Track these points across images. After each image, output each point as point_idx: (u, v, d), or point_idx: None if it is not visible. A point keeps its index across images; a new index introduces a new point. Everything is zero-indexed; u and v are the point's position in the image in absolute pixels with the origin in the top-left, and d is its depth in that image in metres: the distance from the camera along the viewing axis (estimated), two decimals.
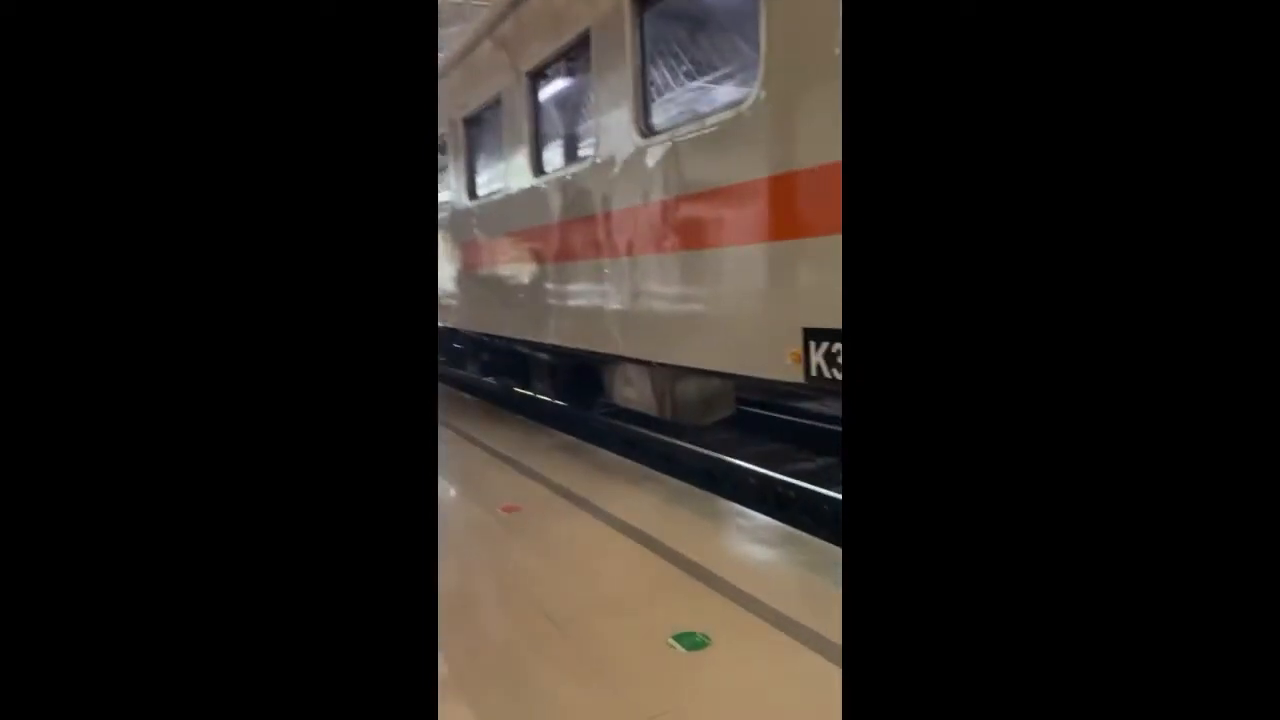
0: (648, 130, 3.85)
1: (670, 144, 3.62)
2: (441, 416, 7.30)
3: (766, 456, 5.87)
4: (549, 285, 5.33)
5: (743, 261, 3.20)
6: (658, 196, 3.76)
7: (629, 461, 5.27)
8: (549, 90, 5.31)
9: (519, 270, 5.79)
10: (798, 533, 3.64)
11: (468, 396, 8.78)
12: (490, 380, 8.61)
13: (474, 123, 6.53)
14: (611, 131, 4.12)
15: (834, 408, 6.73)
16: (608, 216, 4.29)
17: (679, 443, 5.92)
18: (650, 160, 3.79)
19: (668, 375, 4.89)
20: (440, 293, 8.24)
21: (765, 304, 3.10)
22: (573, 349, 5.37)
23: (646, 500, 4.24)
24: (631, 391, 5.57)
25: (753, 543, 3.53)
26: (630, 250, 4.13)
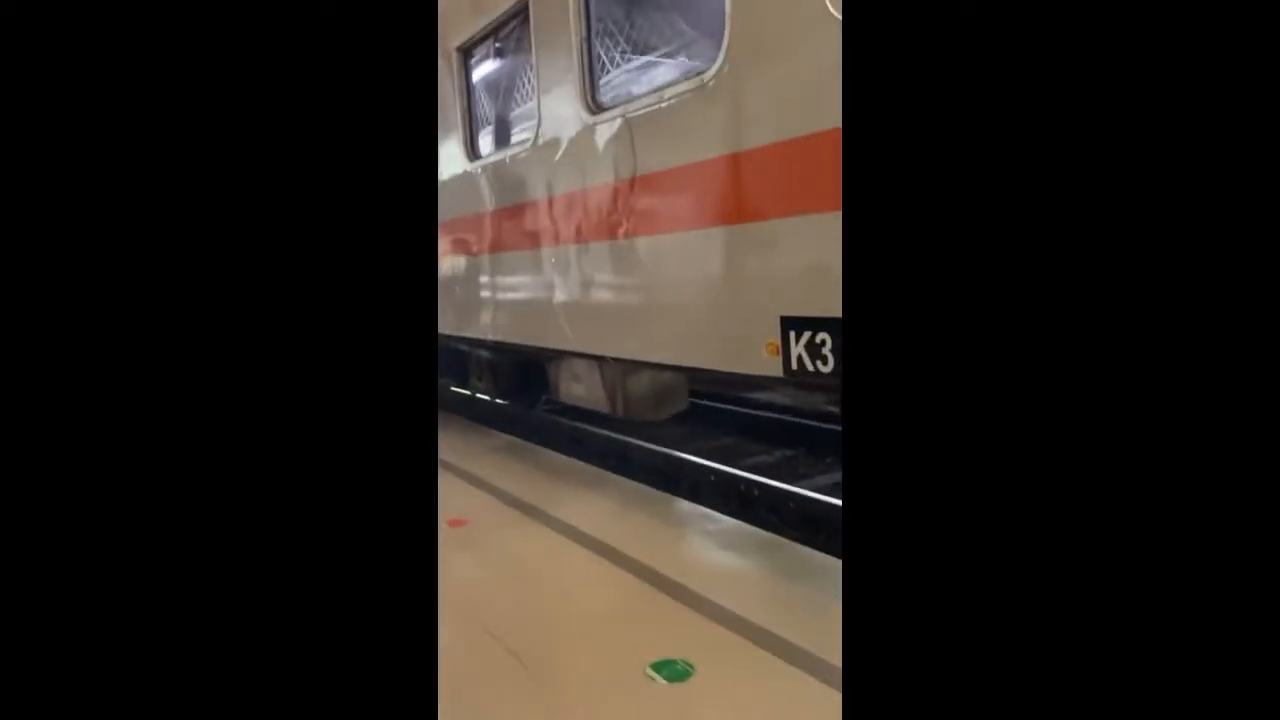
0: (596, 106, 3.55)
1: (623, 120, 3.33)
2: None
3: (721, 451, 5.66)
4: (489, 278, 4.98)
5: (708, 246, 2.94)
6: (609, 178, 3.47)
7: (578, 462, 4.98)
8: (482, 69, 4.94)
9: (455, 263, 5.41)
10: (768, 535, 3.42)
11: None
12: None
13: None
14: (555, 109, 3.80)
15: (788, 398, 6.57)
16: (552, 201, 3.97)
17: (630, 440, 5.65)
18: (600, 139, 3.49)
19: (618, 370, 4.62)
20: None
21: (735, 292, 2.84)
22: (515, 344, 5.03)
23: (601, 505, 3.97)
24: (579, 388, 5.27)
25: (721, 549, 3.29)
26: (579, 237, 3.83)
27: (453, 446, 5.45)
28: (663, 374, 4.55)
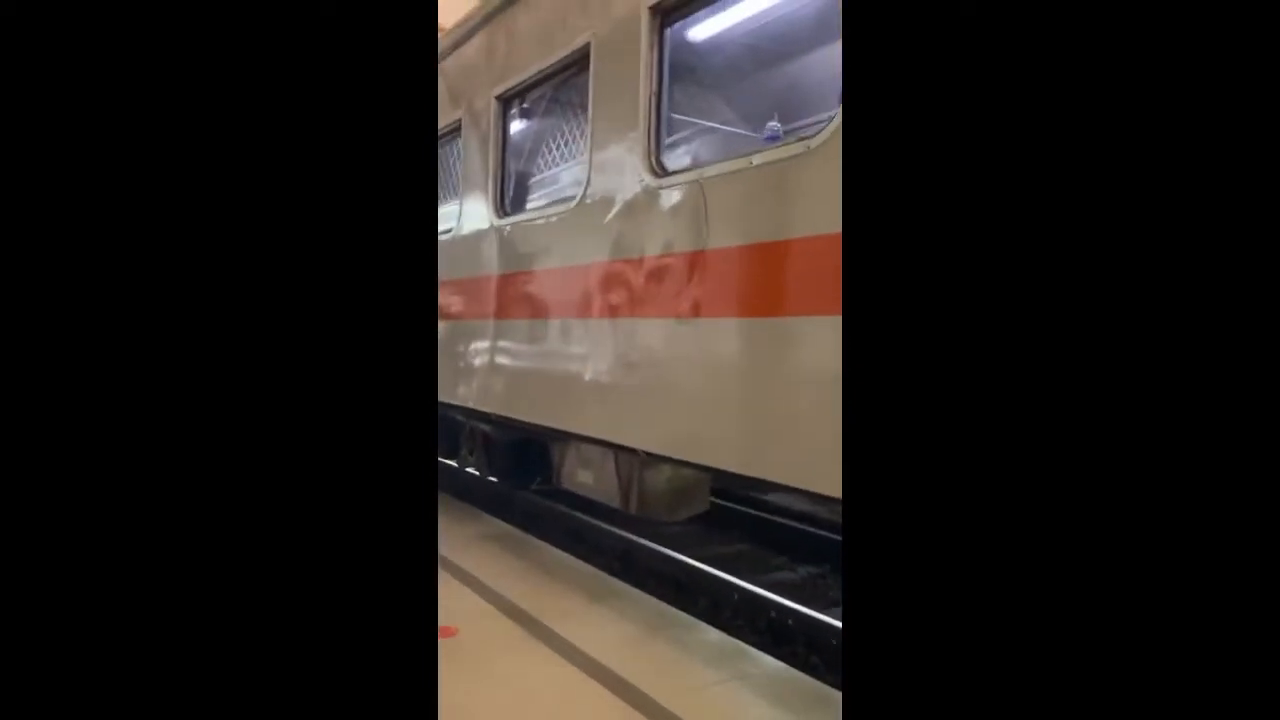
0: (660, 169, 3.13)
1: (695, 185, 2.89)
2: None
3: (739, 560, 5.07)
4: (498, 346, 4.47)
5: (798, 336, 2.47)
6: (671, 248, 3.02)
7: (581, 564, 4.37)
8: (522, 120, 4.56)
9: (461, 327, 4.90)
10: (815, 684, 2.84)
11: None
12: None
13: None
14: (609, 169, 3.38)
15: (805, 501, 6.03)
16: (592, 268, 3.51)
17: (636, 539, 5.05)
18: (664, 204, 3.06)
19: (635, 461, 4.08)
20: None
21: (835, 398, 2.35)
22: (518, 421, 4.48)
23: (614, 625, 3.36)
24: (587, 476, 4.70)
25: (768, 702, 2.69)
26: (620, 310, 3.36)
27: (440, 530, 4.83)
28: (683, 470, 4.01)
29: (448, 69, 5.11)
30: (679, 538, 5.27)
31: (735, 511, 6.01)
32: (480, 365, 4.71)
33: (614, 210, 3.35)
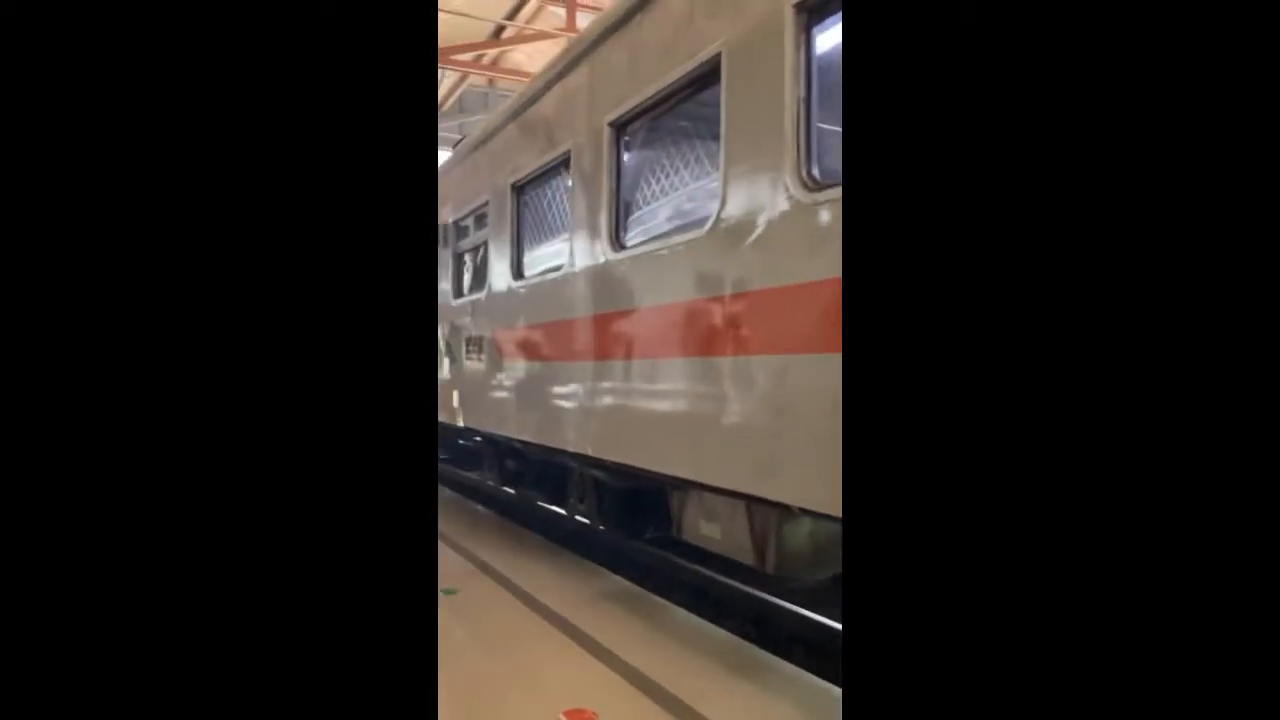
0: (814, 183, 2.74)
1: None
2: (445, 530, 5.96)
3: None
4: (622, 389, 4.13)
5: None
6: (833, 273, 2.62)
7: (714, 629, 3.94)
8: (638, 147, 4.29)
9: (574, 369, 4.60)
10: None
11: (481, 509, 7.43)
12: (508, 490, 7.30)
13: (526, 189, 5.52)
14: (748, 185, 3.02)
15: None
16: (729, 299, 3.15)
17: (772, 600, 4.57)
18: (820, 221, 2.67)
19: (772, 514, 3.64)
20: (445, 381, 7.02)
21: None
22: (637, 468, 4.12)
23: (759, 703, 2.91)
24: (713, 529, 4.29)
25: None
26: (752, 347, 2.97)
27: (548, 584, 4.47)
28: (823, 522, 3.55)
29: (545, 105, 4.93)
30: (814, 595, 4.77)
31: None
32: (594, 408, 4.39)
33: (755, 233, 2.98)
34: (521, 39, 15.94)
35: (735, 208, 3.11)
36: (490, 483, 7.68)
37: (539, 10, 15.69)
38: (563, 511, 6.59)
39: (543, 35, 15.20)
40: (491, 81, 18.84)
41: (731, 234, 3.12)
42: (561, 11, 14.90)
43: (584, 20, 14.64)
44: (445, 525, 6.25)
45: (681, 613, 4.20)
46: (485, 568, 4.89)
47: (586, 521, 5.90)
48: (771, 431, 2.94)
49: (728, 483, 3.31)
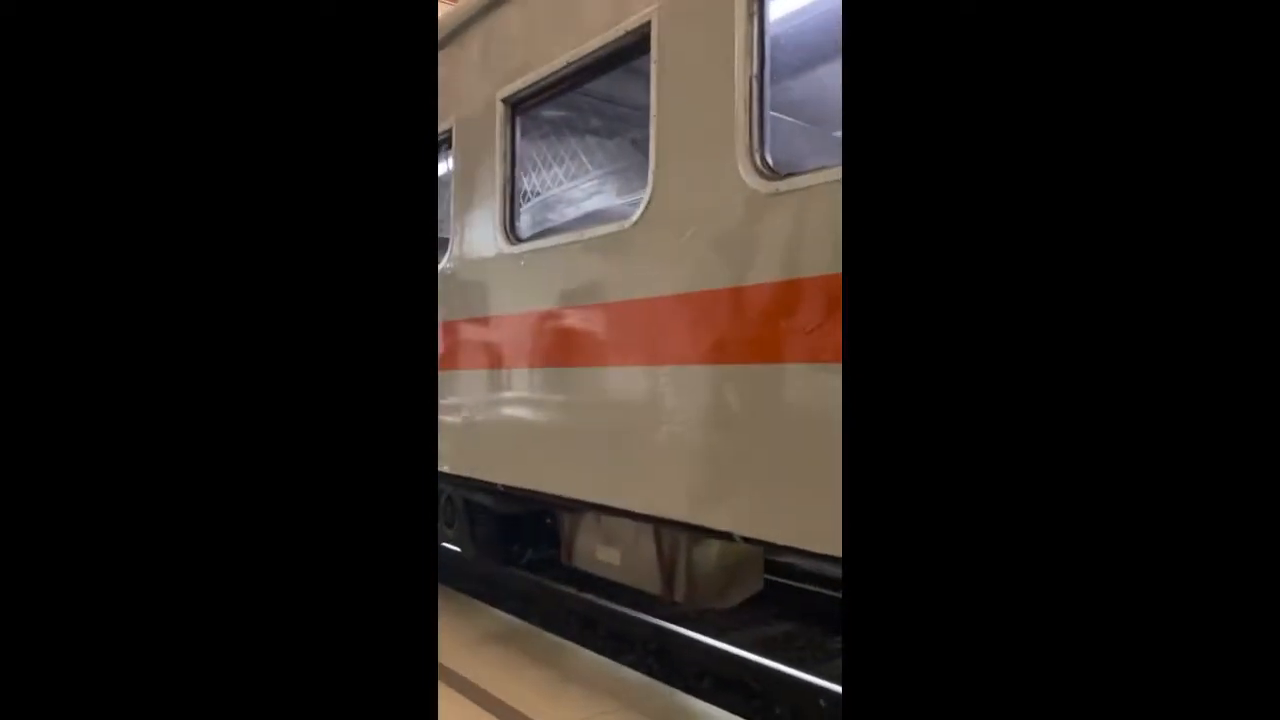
0: (770, 171, 2.42)
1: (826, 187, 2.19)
2: None
3: (782, 643, 4.31)
4: (502, 400, 3.65)
5: None
6: (780, 274, 2.31)
7: (619, 668, 3.54)
8: (536, 122, 3.81)
9: (454, 379, 4.05)
10: None
11: None
12: None
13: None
14: (687, 170, 2.66)
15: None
16: (657, 304, 2.77)
17: (677, 629, 4.22)
18: (776, 216, 2.34)
19: (681, 537, 3.32)
20: None
21: None
22: (523, 489, 3.65)
23: None
24: (611, 555, 3.89)
25: None
26: (700, 357, 2.63)
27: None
28: (734, 545, 3.27)
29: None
30: (717, 623, 4.47)
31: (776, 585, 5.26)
32: (472, 423, 3.86)
33: (693, 228, 2.62)
34: None
35: (667, 199, 2.74)
36: None
37: None
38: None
39: None
40: None
41: (662, 225, 2.75)
42: None
43: None
44: None
45: (579, 651, 3.77)
46: None
47: (455, 549, 5.31)
48: (715, 453, 2.59)
49: (661, 510, 2.93)
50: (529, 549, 5.19)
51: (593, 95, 4.78)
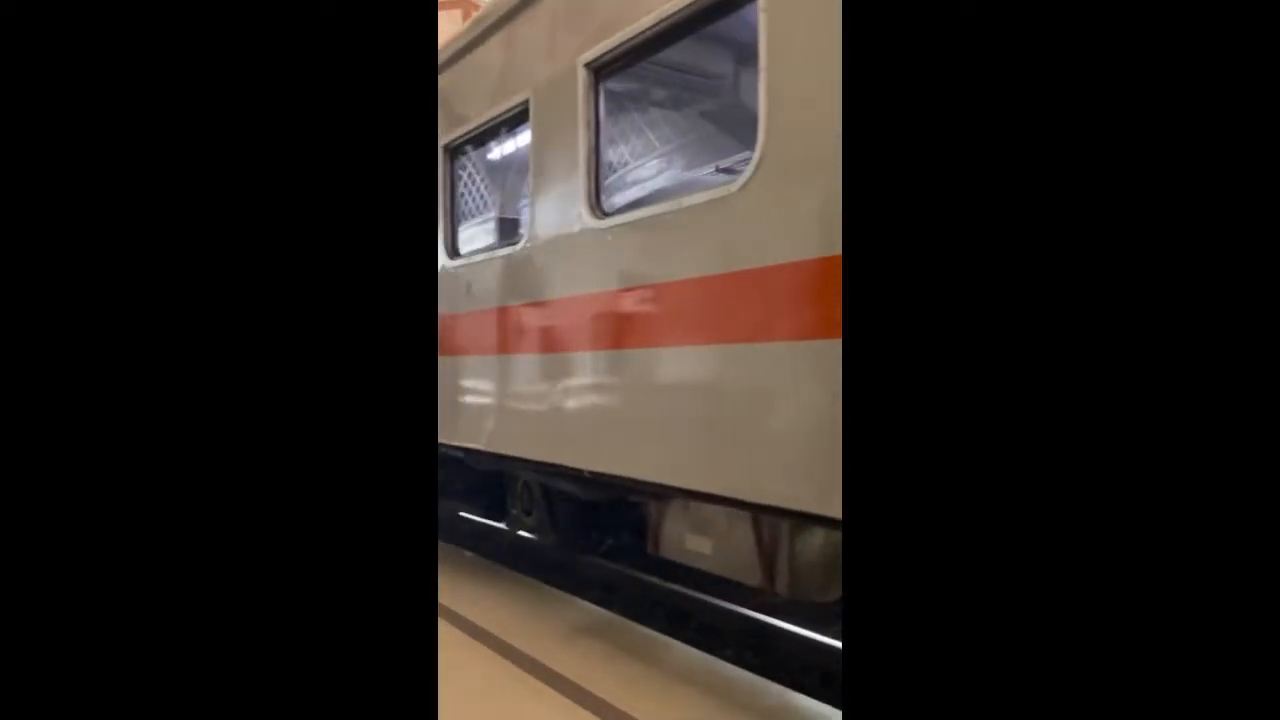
0: None
1: None
2: None
3: None
4: (597, 379, 3.46)
5: None
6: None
7: (716, 662, 3.35)
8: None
9: (535, 363, 3.89)
10: None
11: None
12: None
13: (465, 152, 4.70)
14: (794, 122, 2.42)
15: None
16: (755, 275, 2.55)
17: (776, 623, 4.01)
18: None
19: (782, 524, 3.11)
20: None
21: None
22: (603, 474, 3.48)
23: None
24: (702, 544, 3.70)
25: None
26: (773, 333, 2.40)
27: (516, 621, 3.75)
28: (837, 534, 3.04)
29: (496, 45, 4.16)
30: (820, 616, 4.25)
31: None
32: (543, 404, 3.69)
33: (821, 182, 2.38)
34: None
35: (786, 154, 2.50)
36: None
37: None
38: (498, 524, 5.83)
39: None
40: None
41: (768, 191, 2.52)
42: None
43: None
44: None
45: (673, 645, 3.59)
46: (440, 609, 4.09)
47: (531, 536, 5.19)
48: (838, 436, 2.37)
49: (772, 498, 2.72)
50: (609, 537, 5.05)
51: (660, 64, 4.56)
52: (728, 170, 5.19)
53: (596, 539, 5.01)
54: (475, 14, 4.78)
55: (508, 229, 5.35)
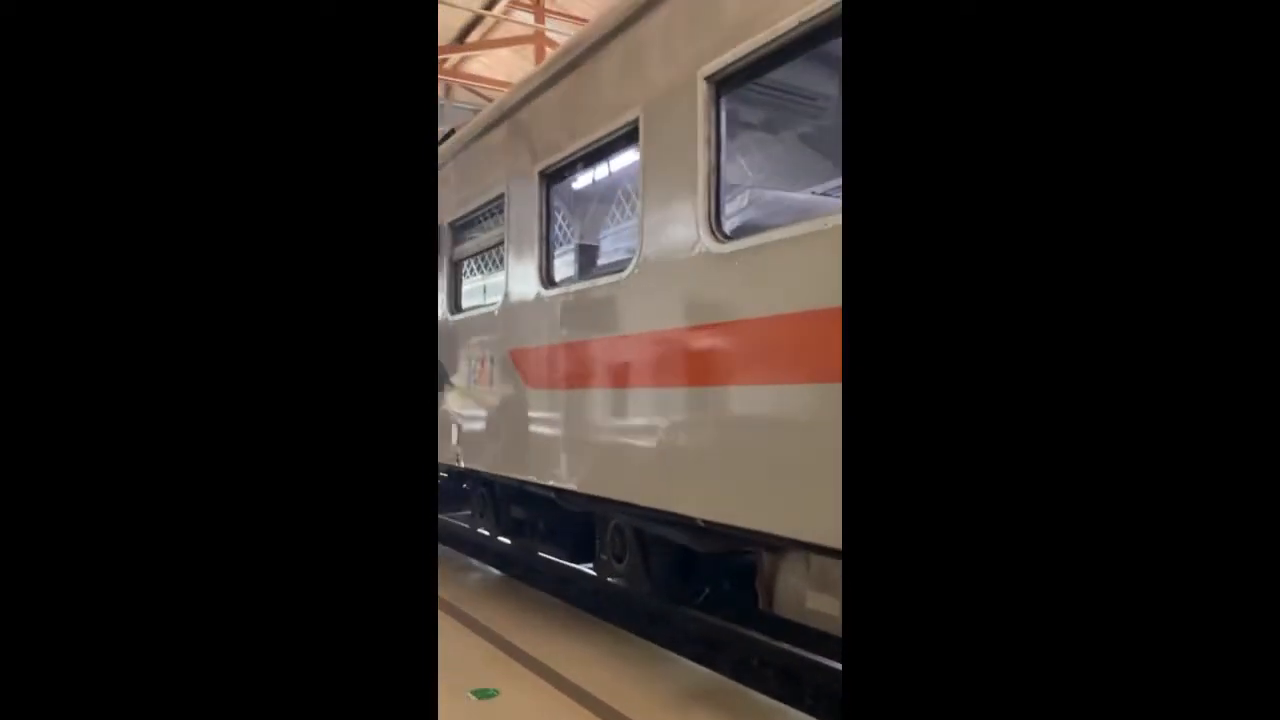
0: None
1: None
2: (448, 596, 4.85)
3: None
4: (720, 416, 3.15)
5: None
6: None
7: None
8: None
9: (648, 396, 3.60)
10: None
11: (474, 564, 6.29)
12: (504, 540, 6.19)
13: (561, 177, 4.51)
14: None
15: None
16: None
17: None
18: None
19: None
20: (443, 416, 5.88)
21: None
22: (740, 530, 3.14)
23: None
24: (826, 603, 3.34)
25: None
26: None
27: (619, 683, 3.41)
28: None
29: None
30: None
31: None
32: (676, 450, 3.39)
33: None
34: (489, 44, 15.01)
35: None
36: (481, 530, 6.57)
37: (500, 20, 14.82)
38: (584, 568, 5.54)
39: (512, 41, 14.32)
40: (449, 91, 17.83)
41: None
42: (527, 18, 14.06)
43: (553, 26, 13.80)
44: (445, 589, 5.11)
45: (790, 713, 3.21)
46: (519, 654, 3.80)
47: (620, 582, 4.87)
48: None
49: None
50: (707, 586, 4.70)
51: (765, 83, 4.31)
52: (824, 195, 4.90)
53: (694, 588, 4.68)
54: (565, 42, 4.60)
55: (587, 257, 5.13)
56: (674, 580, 4.51)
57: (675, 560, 4.42)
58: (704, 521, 3.28)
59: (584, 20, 11.46)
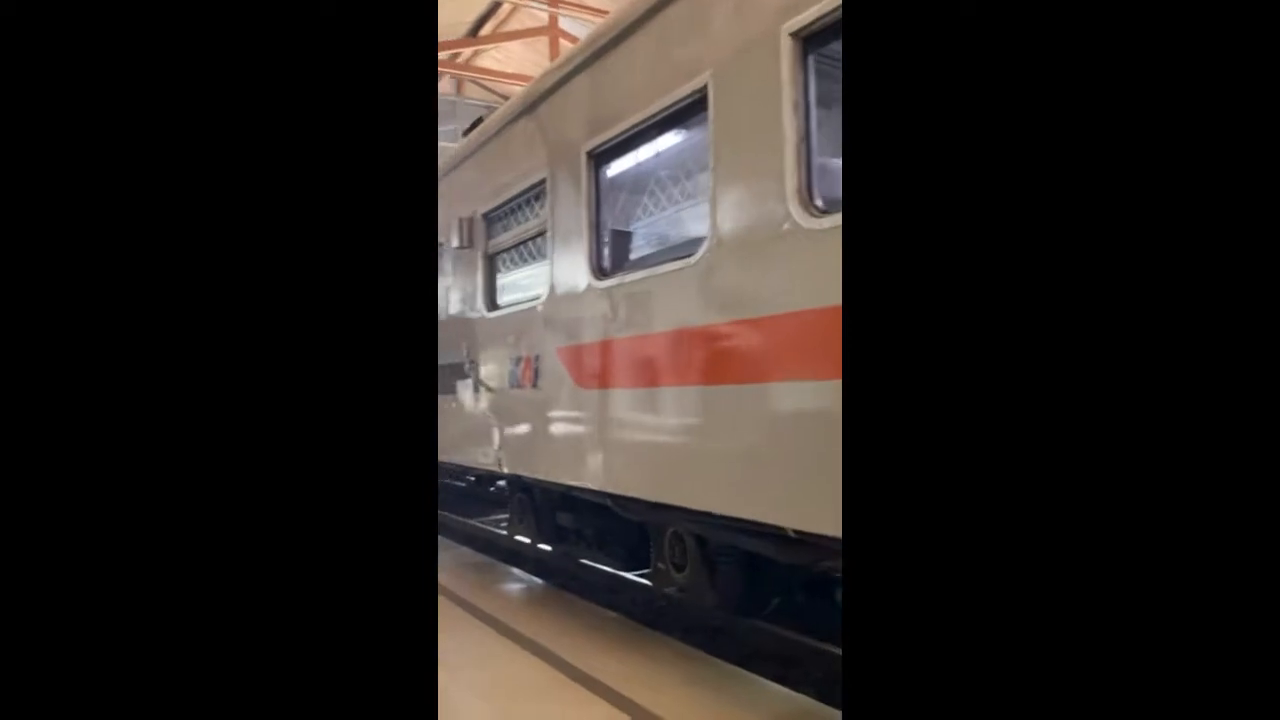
0: None
1: None
2: (489, 609, 4.53)
3: None
4: (818, 410, 2.81)
5: None
6: None
7: None
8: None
9: (716, 396, 3.26)
10: None
11: (516, 573, 5.97)
12: (544, 547, 5.86)
13: (610, 157, 4.17)
14: None
15: None
16: None
17: None
18: None
19: None
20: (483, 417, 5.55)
21: None
22: (813, 534, 2.81)
23: None
24: None
25: None
26: None
27: (700, 711, 3.07)
28: None
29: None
30: None
31: None
32: (759, 454, 3.05)
33: None
34: (503, 36, 14.71)
35: None
36: (520, 538, 6.24)
37: (513, 11, 14.50)
38: (634, 577, 5.21)
39: (526, 33, 14.01)
40: (461, 88, 17.53)
41: None
42: (541, 11, 13.73)
43: (567, 21, 13.48)
44: (485, 599, 4.79)
45: None
46: (583, 678, 3.47)
47: (677, 593, 4.53)
48: None
49: None
50: (776, 596, 4.37)
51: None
52: None
53: (761, 599, 4.34)
54: (612, 13, 4.26)
55: (619, 244, 4.80)
56: (741, 589, 4.18)
57: (741, 568, 4.08)
58: (795, 532, 2.94)
59: (602, 11, 11.12)
